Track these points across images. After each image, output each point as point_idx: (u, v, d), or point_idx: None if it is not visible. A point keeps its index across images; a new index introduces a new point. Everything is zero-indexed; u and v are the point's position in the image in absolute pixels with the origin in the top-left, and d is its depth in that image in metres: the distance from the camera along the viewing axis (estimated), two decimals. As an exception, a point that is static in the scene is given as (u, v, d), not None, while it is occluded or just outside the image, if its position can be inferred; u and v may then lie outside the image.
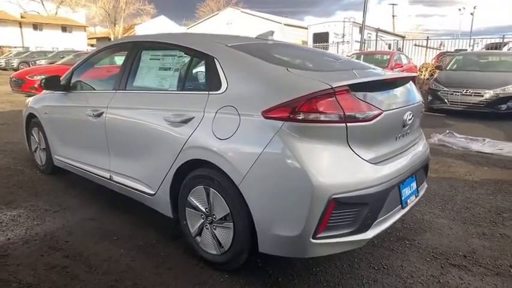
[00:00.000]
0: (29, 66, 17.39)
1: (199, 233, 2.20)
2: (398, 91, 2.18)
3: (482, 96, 7.05)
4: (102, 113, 2.74)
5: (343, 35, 18.16)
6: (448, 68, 8.23)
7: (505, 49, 12.91)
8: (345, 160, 1.79)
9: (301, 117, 1.74)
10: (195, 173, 2.16)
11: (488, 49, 13.36)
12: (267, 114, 1.81)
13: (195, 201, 2.18)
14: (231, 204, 1.97)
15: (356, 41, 17.38)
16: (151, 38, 2.79)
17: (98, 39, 43.44)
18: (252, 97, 1.92)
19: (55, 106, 3.38)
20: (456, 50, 17.16)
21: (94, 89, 3.21)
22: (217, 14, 31.57)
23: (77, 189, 3.41)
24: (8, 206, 3.02)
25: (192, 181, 2.18)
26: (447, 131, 6.01)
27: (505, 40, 13.29)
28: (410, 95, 2.28)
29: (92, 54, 3.33)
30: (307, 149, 1.74)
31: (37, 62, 19.71)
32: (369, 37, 17.23)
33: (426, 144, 2.53)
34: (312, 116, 1.74)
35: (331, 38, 18.84)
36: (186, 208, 2.24)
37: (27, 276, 2.10)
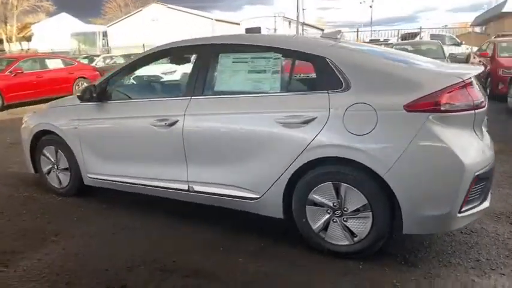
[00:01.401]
0: None
1: (325, 228, 2.28)
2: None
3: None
4: (177, 121, 2.58)
5: (275, 30, 18.89)
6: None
7: (417, 38, 14.96)
8: (474, 142, 2.08)
9: (444, 107, 1.97)
10: (319, 170, 2.23)
11: (404, 39, 15.28)
12: (411, 107, 1.99)
13: (319, 198, 2.25)
14: (369, 195, 2.11)
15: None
16: (232, 40, 2.68)
17: (-14, 40, 37.10)
18: (387, 93, 2.07)
19: (92, 119, 3.01)
20: (371, 40, 19.22)
21: (148, 98, 2.96)
22: (140, 10, 29.94)
23: (120, 208, 3.13)
24: (62, 238, 2.65)
25: (315, 179, 2.24)
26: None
27: (422, 30, 15.42)
28: None
29: (133, 61, 3.03)
30: (452, 135, 1.98)
31: None
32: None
33: None
34: (452, 106, 1.98)
35: (263, 33, 19.45)
36: (306, 206, 2.30)
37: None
